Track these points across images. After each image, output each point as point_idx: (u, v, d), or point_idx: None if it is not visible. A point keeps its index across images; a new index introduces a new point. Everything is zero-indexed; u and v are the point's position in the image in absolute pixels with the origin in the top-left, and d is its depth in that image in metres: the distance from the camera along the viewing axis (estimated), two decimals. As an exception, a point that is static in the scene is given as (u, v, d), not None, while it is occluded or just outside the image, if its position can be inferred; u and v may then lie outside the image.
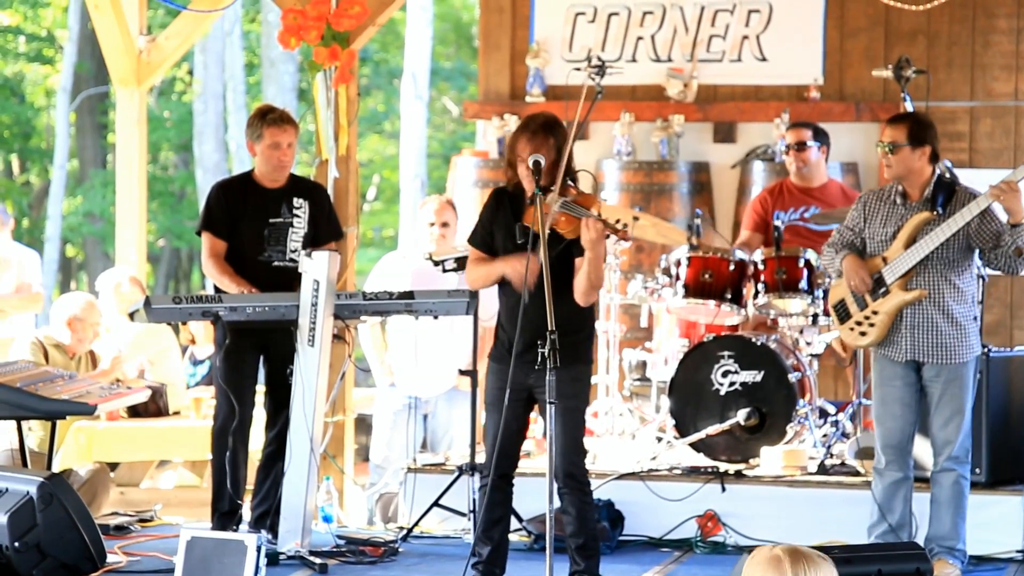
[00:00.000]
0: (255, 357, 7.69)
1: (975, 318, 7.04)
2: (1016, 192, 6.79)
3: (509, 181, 6.54)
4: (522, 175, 6.42)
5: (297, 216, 7.71)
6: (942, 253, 6.92)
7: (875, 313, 7.05)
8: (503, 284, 6.56)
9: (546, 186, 6.30)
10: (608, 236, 6.25)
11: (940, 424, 7.00)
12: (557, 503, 6.34)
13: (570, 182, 6.40)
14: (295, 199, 7.72)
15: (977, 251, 6.98)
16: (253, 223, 7.65)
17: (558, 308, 6.03)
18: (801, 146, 8.96)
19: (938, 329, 6.94)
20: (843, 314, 7.19)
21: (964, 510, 7.03)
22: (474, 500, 7.51)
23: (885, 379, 7.08)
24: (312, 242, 7.67)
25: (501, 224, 6.55)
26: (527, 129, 6.41)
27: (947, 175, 7.92)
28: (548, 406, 5.88)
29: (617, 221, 6.25)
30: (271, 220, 7.66)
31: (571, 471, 6.43)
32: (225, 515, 7.57)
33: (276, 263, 7.67)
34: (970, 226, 6.89)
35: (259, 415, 7.80)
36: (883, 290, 7.02)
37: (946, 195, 6.95)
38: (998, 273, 7.16)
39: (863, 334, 7.11)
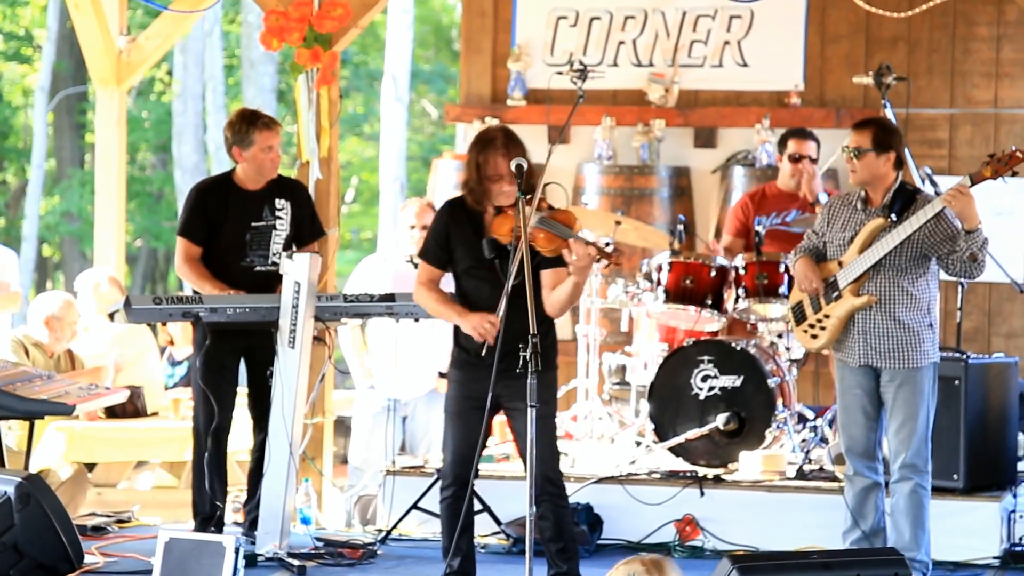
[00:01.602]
0: (235, 359, 7.66)
1: (930, 325, 6.99)
2: (968, 197, 6.71)
3: (475, 200, 6.38)
4: (499, 192, 6.31)
5: (280, 218, 7.67)
6: (894, 260, 6.90)
7: (827, 317, 7.05)
8: (467, 296, 6.44)
9: (528, 192, 6.22)
10: (599, 260, 6.19)
11: (893, 430, 6.98)
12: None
13: (541, 195, 6.29)
14: (277, 200, 7.67)
15: (934, 258, 6.93)
16: (235, 227, 7.59)
17: (526, 318, 5.98)
18: (807, 159, 8.87)
19: (889, 334, 6.93)
20: (799, 316, 7.20)
21: (924, 520, 6.98)
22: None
23: (846, 387, 7.08)
24: (295, 243, 7.65)
25: (460, 239, 6.42)
26: (494, 146, 6.30)
27: (926, 182, 7.94)
28: (529, 410, 5.82)
29: (607, 245, 6.13)
30: (253, 224, 7.61)
31: (550, 476, 6.41)
32: (206, 519, 7.54)
33: (259, 268, 7.63)
34: (923, 231, 6.86)
35: (240, 417, 7.77)
36: (836, 294, 7.03)
37: (904, 202, 6.93)
38: (956, 279, 7.14)
39: (814, 337, 7.13)
